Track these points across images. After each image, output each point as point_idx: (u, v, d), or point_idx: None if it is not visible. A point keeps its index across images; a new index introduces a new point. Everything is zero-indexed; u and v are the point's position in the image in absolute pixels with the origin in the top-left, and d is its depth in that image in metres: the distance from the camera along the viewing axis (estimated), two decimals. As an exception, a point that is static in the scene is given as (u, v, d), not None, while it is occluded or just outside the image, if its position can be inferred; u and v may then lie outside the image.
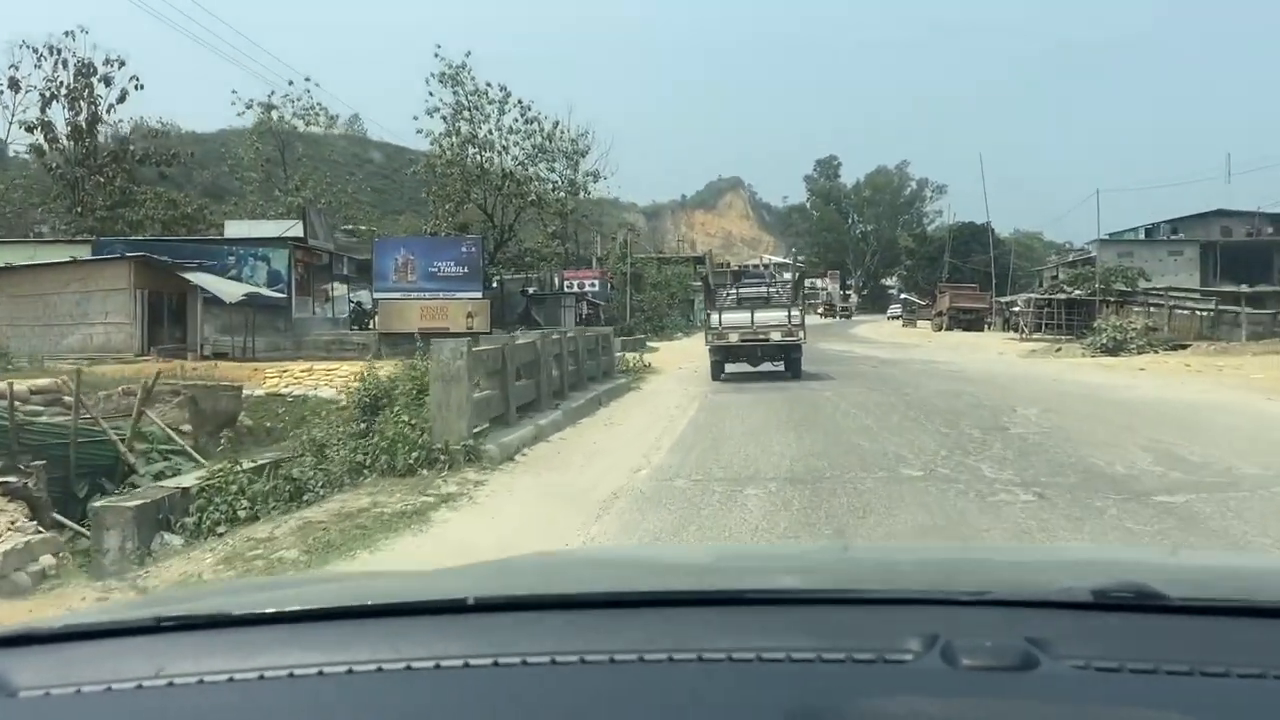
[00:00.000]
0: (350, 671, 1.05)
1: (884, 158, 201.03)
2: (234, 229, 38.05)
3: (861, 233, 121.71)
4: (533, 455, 9.64)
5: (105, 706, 1.05)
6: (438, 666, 1.04)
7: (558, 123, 41.51)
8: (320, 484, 7.97)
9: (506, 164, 41.21)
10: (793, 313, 18.88)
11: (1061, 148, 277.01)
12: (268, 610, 1.27)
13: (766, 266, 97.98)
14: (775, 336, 18.63)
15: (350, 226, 45.75)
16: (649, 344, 39.50)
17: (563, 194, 43.32)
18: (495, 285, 44.38)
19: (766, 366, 19.23)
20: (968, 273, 73.28)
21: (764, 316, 18.92)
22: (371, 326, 36.14)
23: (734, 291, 22.17)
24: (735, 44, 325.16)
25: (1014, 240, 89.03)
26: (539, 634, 1.13)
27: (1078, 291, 43.43)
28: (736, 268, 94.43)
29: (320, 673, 1.05)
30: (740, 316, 19.10)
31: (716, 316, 19.15)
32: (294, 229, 35.74)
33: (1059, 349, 31.82)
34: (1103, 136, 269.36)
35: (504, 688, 1.02)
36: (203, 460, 11.97)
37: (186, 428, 16.33)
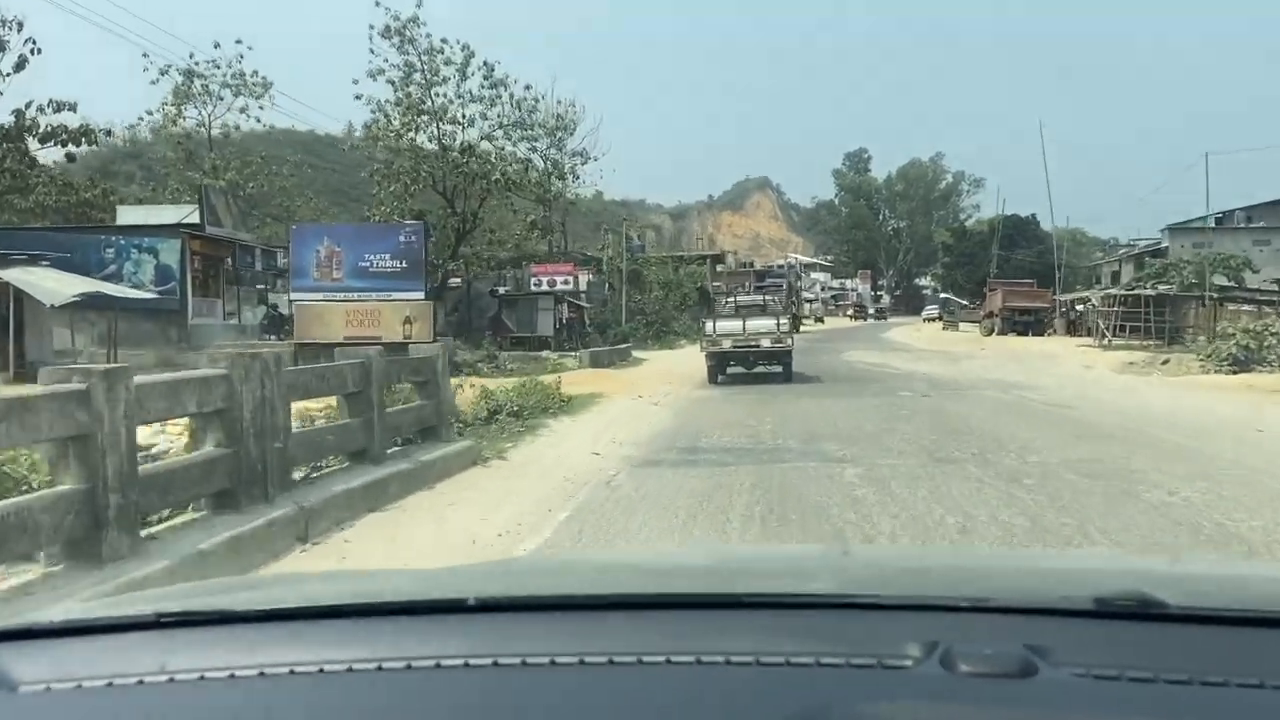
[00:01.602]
0: (351, 670, 1.04)
1: (916, 151, 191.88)
2: (127, 215, 31.30)
3: (894, 229, 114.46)
4: None
5: (107, 702, 1.04)
6: (438, 665, 1.04)
7: (529, 86, 34.19)
8: None
9: (471, 137, 34.00)
10: (781, 321, 20.07)
11: (1099, 145, 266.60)
12: (269, 607, 1.26)
13: (791, 266, 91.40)
14: (765, 344, 19.48)
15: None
16: (636, 354, 32.32)
17: (544, 175, 36.05)
18: (459, 284, 37.54)
19: (760, 369, 19.89)
20: (1010, 269, 65.68)
21: (755, 325, 19.76)
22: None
23: (731, 300, 23.39)
24: (755, 42, 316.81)
25: (1063, 234, 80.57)
26: (539, 635, 1.13)
27: (1165, 286, 35.49)
28: (760, 268, 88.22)
29: (321, 670, 1.04)
30: (734, 324, 19.84)
31: (711, 324, 20.15)
32: (192, 215, 28.91)
33: (1165, 360, 24.12)
34: (1149, 131, 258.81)
35: (503, 688, 1.02)
36: None
37: None
